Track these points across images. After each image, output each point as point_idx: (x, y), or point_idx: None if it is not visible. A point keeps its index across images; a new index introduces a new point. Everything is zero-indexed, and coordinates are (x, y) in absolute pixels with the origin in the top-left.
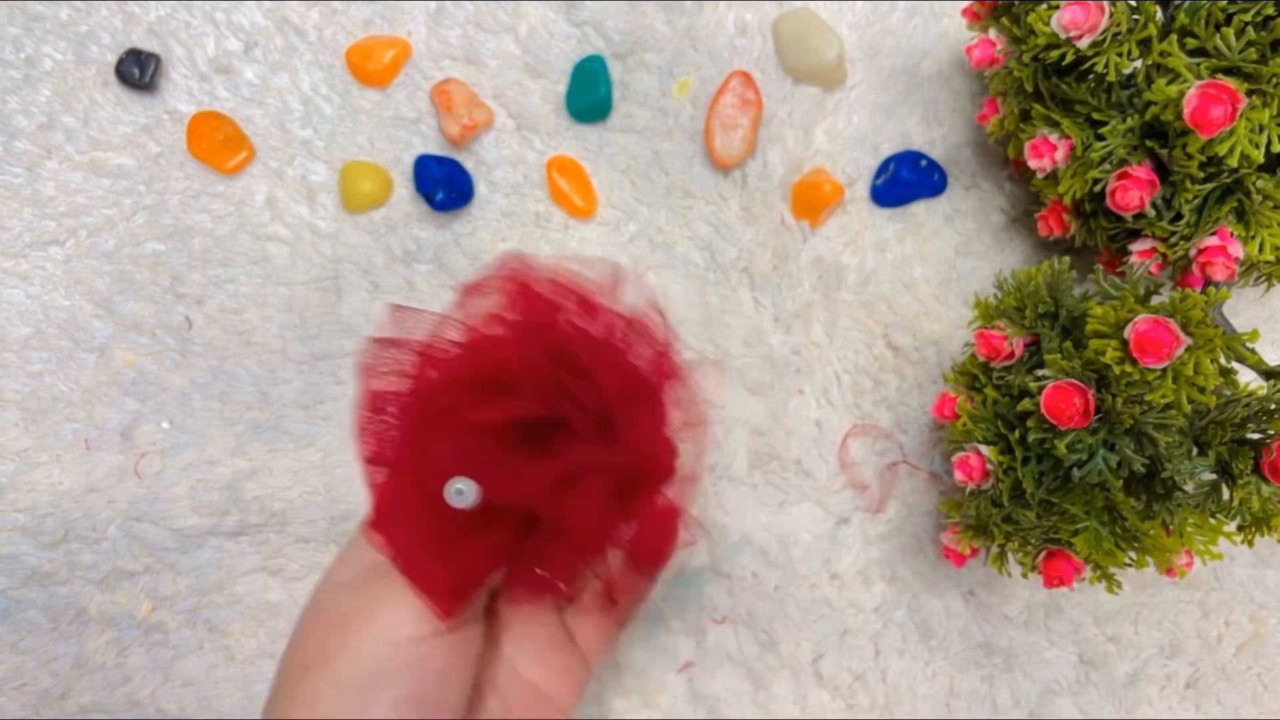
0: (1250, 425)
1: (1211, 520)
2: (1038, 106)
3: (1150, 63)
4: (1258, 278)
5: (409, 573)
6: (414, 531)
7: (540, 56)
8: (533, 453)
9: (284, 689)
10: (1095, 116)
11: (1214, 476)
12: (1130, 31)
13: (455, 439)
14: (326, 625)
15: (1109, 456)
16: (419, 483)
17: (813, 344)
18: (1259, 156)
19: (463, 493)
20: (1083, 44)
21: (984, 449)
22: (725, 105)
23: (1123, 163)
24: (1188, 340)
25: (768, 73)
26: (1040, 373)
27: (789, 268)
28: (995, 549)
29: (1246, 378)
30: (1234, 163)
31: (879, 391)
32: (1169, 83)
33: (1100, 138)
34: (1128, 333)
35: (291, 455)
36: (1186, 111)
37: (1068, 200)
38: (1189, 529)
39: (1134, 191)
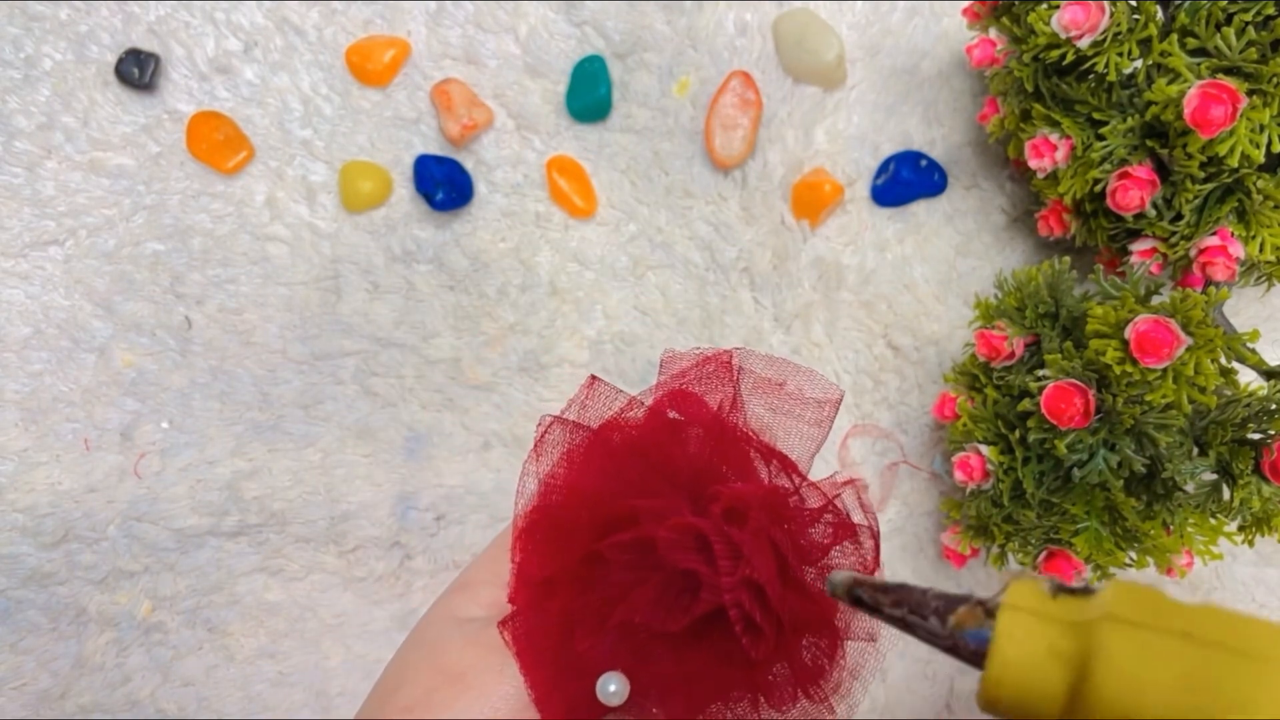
0: (1251, 425)
1: (1212, 520)
2: (1038, 106)
3: (1151, 62)
4: (1258, 277)
5: (530, 684)
6: (547, 652)
7: (540, 56)
8: (687, 649)
9: (383, 716)
10: (1096, 116)
11: (1214, 476)
12: (1131, 31)
13: (616, 636)
14: (437, 672)
15: (1109, 457)
16: (567, 611)
17: (813, 344)
18: (1259, 156)
19: (616, 692)
20: (1083, 44)
21: (984, 449)
22: (725, 105)
23: (1123, 162)
24: (1188, 340)
25: (768, 73)
26: (1041, 373)
27: (789, 268)
28: (996, 549)
29: (1247, 378)
30: (1234, 162)
31: (879, 391)
32: (1169, 82)
33: (1101, 137)
34: (1128, 333)
35: (291, 455)
36: (1187, 111)
37: (1068, 200)
38: (1189, 529)
39: (1134, 191)
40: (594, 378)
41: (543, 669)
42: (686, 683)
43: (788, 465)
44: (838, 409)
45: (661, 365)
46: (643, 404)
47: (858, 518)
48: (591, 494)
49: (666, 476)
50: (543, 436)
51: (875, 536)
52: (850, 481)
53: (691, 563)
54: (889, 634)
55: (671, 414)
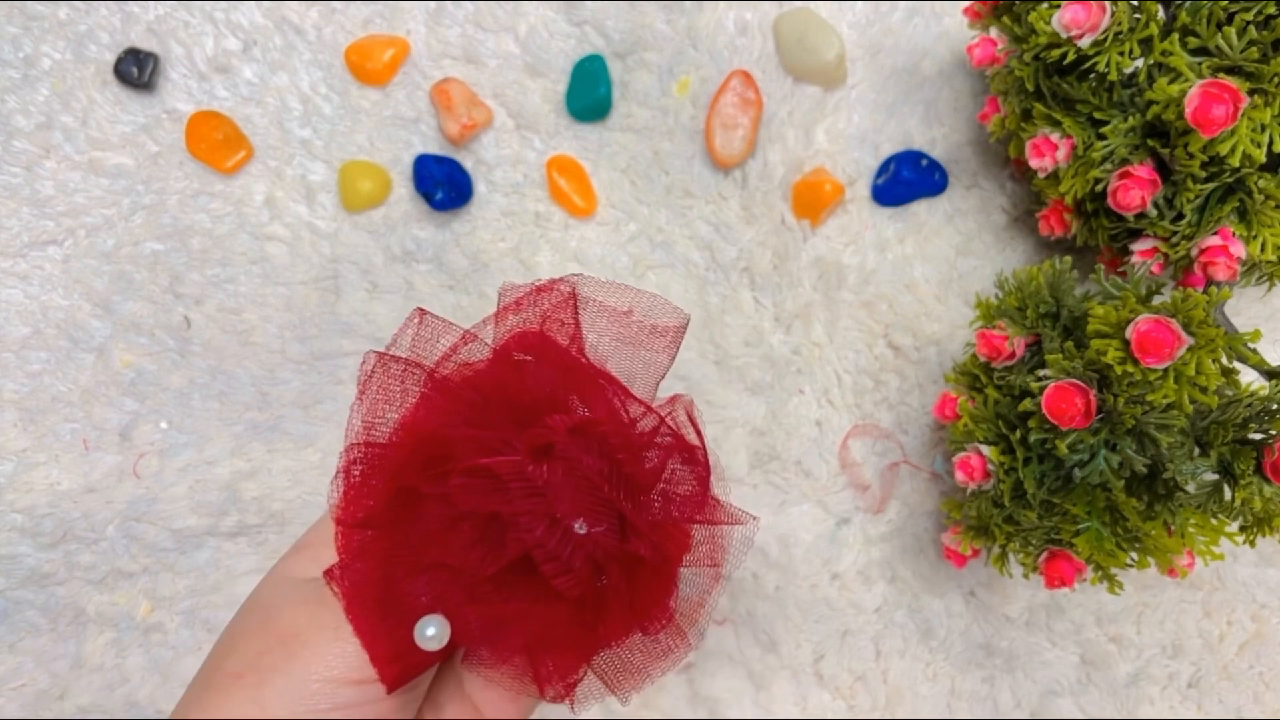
0: (1252, 425)
1: (1213, 520)
2: (1039, 106)
3: (1152, 62)
4: (1259, 277)
5: (361, 636)
6: (373, 600)
7: (540, 56)
8: (510, 587)
9: (210, 688)
10: (1097, 116)
11: (1216, 477)
12: (1132, 30)
13: (433, 575)
14: (269, 634)
15: (1110, 457)
16: (389, 558)
17: (813, 344)
18: (1261, 156)
19: (434, 636)
20: (1084, 43)
21: (985, 449)
22: (725, 105)
23: (1124, 162)
24: (1189, 340)
25: (768, 72)
26: (1042, 373)
27: (789, 267)
28: (996, 549)
29: (1248, 378)
30: (1236, 162)
31: (880, 391)
32: (1170, 82)
33: (1102, 137)
34: (1129, 333)
35: (290, 455)
36: (1188, 111)
37: (1069, 200)
38: (1191, 529)
39: (1135, 191)
40: (422, 310)
41: (369, 618)
42: (514, 621)
43: (621, 391)
44: (683, 334)
45: (500, 297)
46: (476, 337)
47: (690, 435)
48: (419, 431)
49: (503, 410)
50: (369, 375)
51: (705, 450)
52: (675, 398)
53: (490, 505)
54: (734, 555)
55: (518, 356)
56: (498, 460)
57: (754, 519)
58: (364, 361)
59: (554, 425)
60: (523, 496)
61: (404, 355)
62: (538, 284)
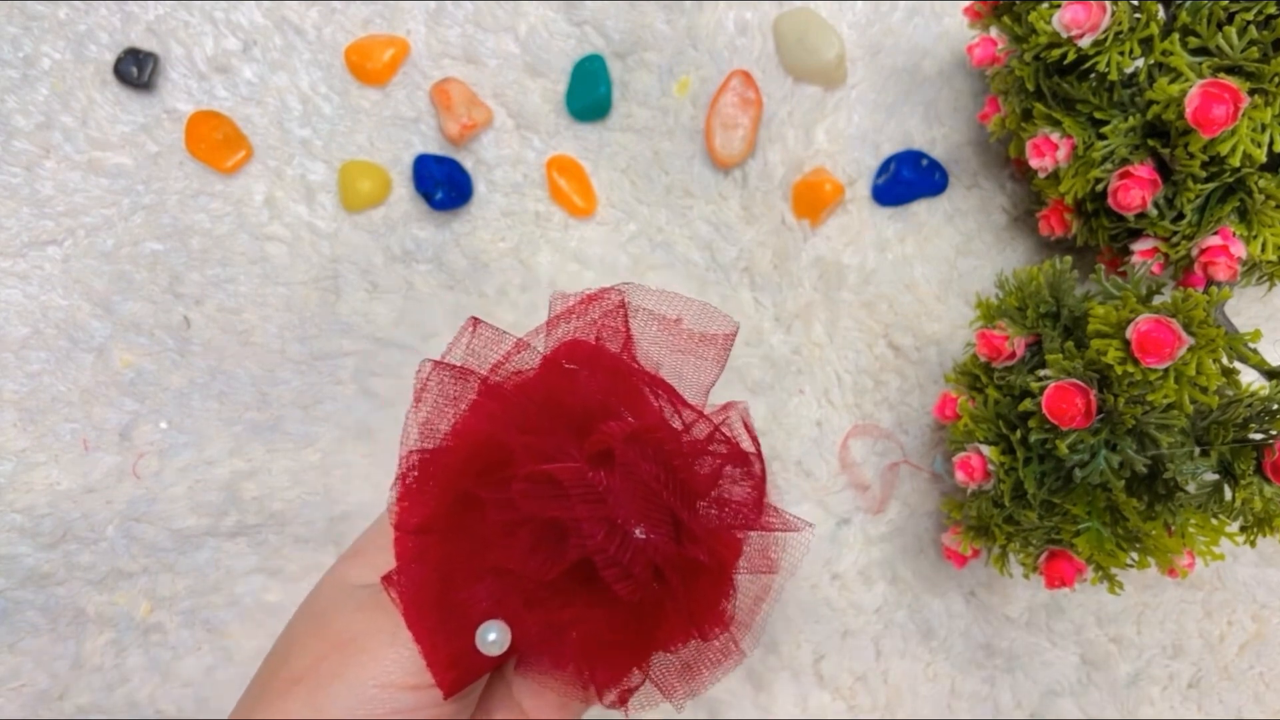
0: (1252, 425)
1: (1213, 521)
2: (1039, 105)
3: (1152, 62)
4: (1260, 277)
5: (419, 641)
6: (431, 605)
7: (540, 56)
8: (567, 593)
9: (267, 692)
10: (1097, 115)
11: (1216, 477)
12: (1132, 30)
13: (492, 580)
14: (326, 640)
15: (1111, 457)
16: (447, 563)
17: (813, 344)
18: (1261, 156)
19: (495, 641)
20: (1084, 43)
21: (985, 449)
22: (725, 104)
23: (1124, 162)
24: (1190, 340)
25: (768, 72)
26: (1042, 373)
27: (789, 267)
28: (997, 550)
29: (1249, 378)
30: (1236, 162)
31: (880, 391)
32: (1171, 82)
33: (1102, 137)
34: (1130, 333)
35: (290, 455)
36: (1188, 111)
37: (1069, 200)
38: (1191, 529)
39: (1136, 191)
40: (476, 320)
41: (427, 624)
42: (572, 626)
43: (675, 398)
44: (732, 342)
45: (551, 306)
46: (528, 345)
47: (745, 442)
48: (474, 437)
49: (557, 417)
50: (424, 384)
51: (761, 458)
52: (730, 405)
53: (552, 511)
54: (789, 562)
55: (567, 364)
56: (559, 466)
57: (809, 526)
58: (419, 370)
59: (612, 432)
60: (583, 502)
61: (458, 363)
62: (588, 293)
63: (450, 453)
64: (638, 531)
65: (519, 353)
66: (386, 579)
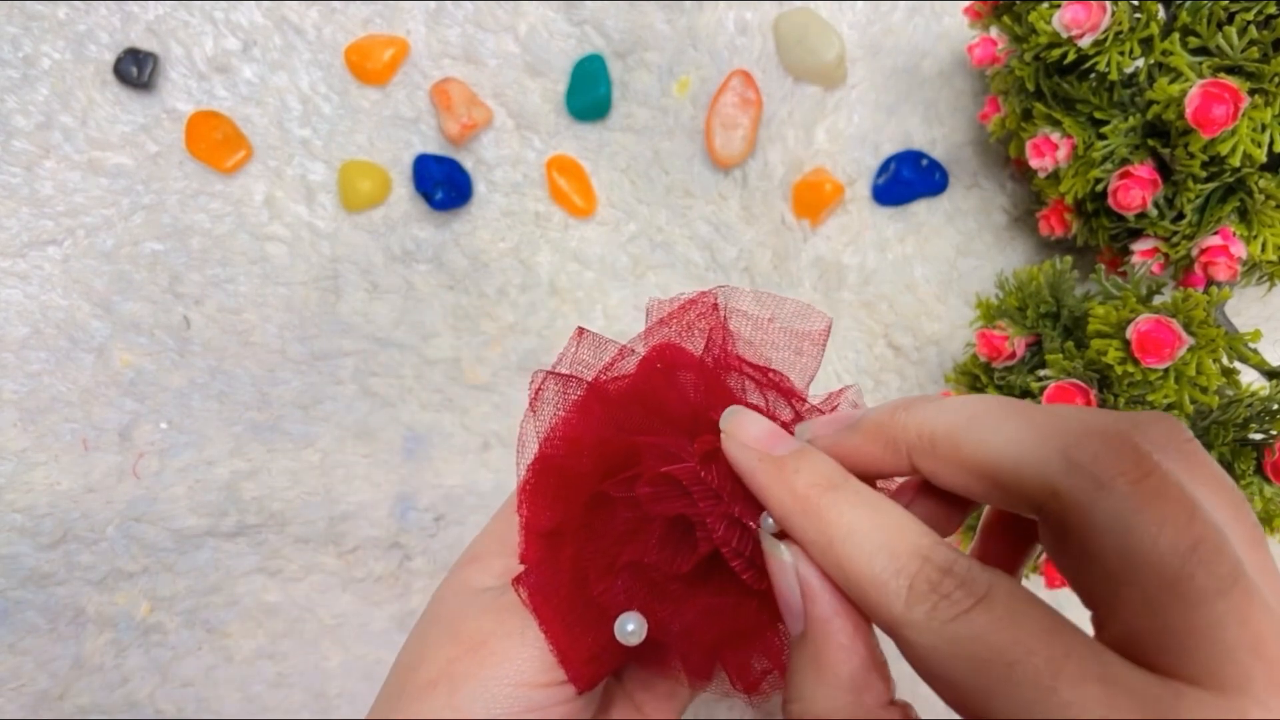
0: (1252, 425)
1: None
2: (1039, 105)
3: (1152, 62)
4: (1260, 277)
5: (551, 639)
6: (562, 603)
7: (540, 55)
8: (695, 585)
9: (404, 696)
10: (1097, 115)
11: None
12: (1132, 30)
13: (627, 574)
14: (458, 643)
15: None
16: (578, 559)
17: None
18: (1261, 156)
19: (634, 631)
20: (1084, 43)
21: None
22: (725, 104)
23: (1124, 162)
24: (1190, 340)
25: (768, 72)
26: (1042, 373)
27: (789, 267)
28: None
29: (1249, 378)
30: (1236, 162)
31: (880, 391)
32: (1171, 82)
33: (1102, 137)
34: (1130, 333)
35: (290, 456)
36: (1189, 111)
37: (1069, 200)
38: None
39: (1136, 191)
40: (582, 329)
41: (560, 622)
42: (706, 617)
43: (784, 390)
44: (827, 336)
45: (648, 313)
46: (633, 351)
47: None
48: (592, 441)
49: (665, 419)
50: (538, 392)
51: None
52: (843, 390)
53: (677, 509)
54: None
55: (660, 366)
56: (678, 468)
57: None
58: (533, 379)
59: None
60: (703, 498)
61: (566, 371)
62: (685, 298)
63: (570, 457)
64: (762, 520)
65: (622, 359)
66: (517, 580)
